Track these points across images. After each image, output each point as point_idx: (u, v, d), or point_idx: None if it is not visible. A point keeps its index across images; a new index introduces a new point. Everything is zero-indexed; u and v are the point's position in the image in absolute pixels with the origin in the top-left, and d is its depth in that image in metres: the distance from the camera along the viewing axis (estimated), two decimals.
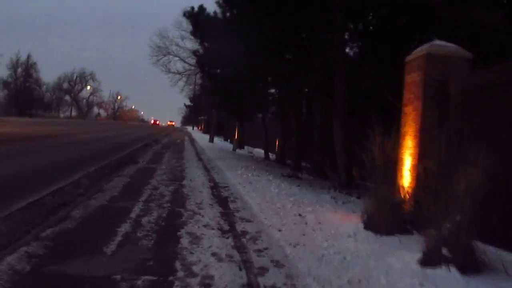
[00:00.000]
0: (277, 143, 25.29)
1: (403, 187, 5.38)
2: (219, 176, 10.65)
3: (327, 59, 11.52)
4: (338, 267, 3.85)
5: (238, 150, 25.27)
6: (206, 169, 12.03)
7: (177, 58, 30.61)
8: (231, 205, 6.84)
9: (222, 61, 17.67)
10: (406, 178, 5.60)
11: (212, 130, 30.77)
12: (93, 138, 23.21)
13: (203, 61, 19.19)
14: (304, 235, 4.95)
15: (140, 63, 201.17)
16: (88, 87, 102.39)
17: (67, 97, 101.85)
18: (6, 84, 72.95)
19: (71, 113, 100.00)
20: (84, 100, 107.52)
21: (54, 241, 4.19)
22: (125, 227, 4.91)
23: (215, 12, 17.20)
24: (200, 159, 15.51)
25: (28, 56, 75.25)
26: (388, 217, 4.75)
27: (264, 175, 11.26)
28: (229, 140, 37.90)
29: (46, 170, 9.83)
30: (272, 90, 20.87)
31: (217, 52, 17.54)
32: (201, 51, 18.93)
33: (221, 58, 17.57)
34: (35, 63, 76.60)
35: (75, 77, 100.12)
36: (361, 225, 5.07)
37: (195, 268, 3.70)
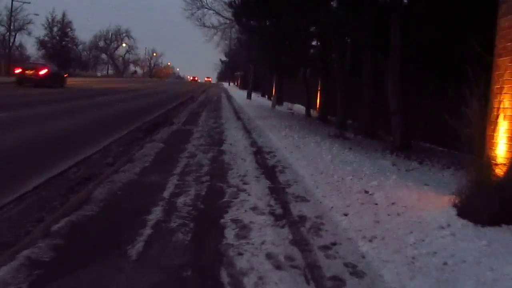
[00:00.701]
0: (318, 100, 24.13)
1: (494, 158, 4.22)
2: (261, 138, 9.65)
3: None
4: (441, 280, 2.80)
5: (277, 107, 24.18)
6: (247, 130, 11.05)
7: (212, 11, 29.11)
8: (280, 178, 5.84)
9: (260, 11, 16.34)
10: (501, 148, 4.42)
11: (249, 86, 29.61)
12: (128, 96, 22.58)
13: (239, 12, 17.86)
14: (378, 222, 3.91)
15: (176, 19, 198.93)
16: (124, 45, 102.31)
17: (104, 56, 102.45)
18: (42, 43, 73.20)
19: (107, 71, 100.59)
20: (120, 58, 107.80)
21: (67, 238, 3.29)
22: (156, 213, 3.98)
23: None
24: (239, 118, 14.54)
25: (63, 15, 75.06)
26: (491, 201, 3.64)
27: (310, 136, 10.19)
28: (267, 96, 36.76)
29: (79, 132, 9.11)
30: (314, 43, 19.49)
31: (255, 1, 16.23)
32: (237, 1, 17.57)
33: (259, 8, 16.26)
34: (70, 22, 76.45)
35: (110, 35, 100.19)
36: (452, 211, 3.96)
37: (247, 282, 2.73)
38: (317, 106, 23.25)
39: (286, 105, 27.45)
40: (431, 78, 10.41)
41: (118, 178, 5.26)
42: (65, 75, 29.42)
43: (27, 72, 24.84)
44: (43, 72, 25.13)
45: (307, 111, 20.36)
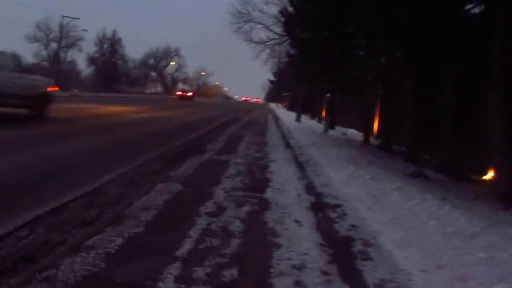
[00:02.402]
0: (376, 124, 21.32)
1: None
2: (320, 179, 7.01)
3: None
4: None
5: (329, 131, 21.54)
6: (299, 165, 8.45)
7: (260, 26, 27.04)
8: (368, 275, 3.20)
9: (317, 21, 13.89)
10: None
11: (298, 107, 27.07)
12: (166, 116, 20.57)
13: (291, 23, 15.47)
14: None
15: (225, 40, 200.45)
16: (173, 63, 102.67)
17: (153, 73, 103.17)
18: (92, 60, 73.94)
19: (156, 89, 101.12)
20: (169, 76, 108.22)
21: None
22: None
23: None
24: (288, 145, 11.99)
25: (114, 32, 75.93)
26: None
27: (383, 176, 7.53)
28: (316, 119, 34.10)
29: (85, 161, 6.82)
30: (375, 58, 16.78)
31: (312, 9, 13.80)
32: (289, 9, 15.21)
33: (316, 17, 13.82)
34: (120, 39, 77.16)
35: (160, 53, 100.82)
36: None
37: None
38: (375, 132, 20.49)
39: (338, 129, 24.74)
40: None
41: (68, 267, 2.82)
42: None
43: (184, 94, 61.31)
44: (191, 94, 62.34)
45: (366, 137, 17.64)
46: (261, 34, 41.21)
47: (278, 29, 26.61)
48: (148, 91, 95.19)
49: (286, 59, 45.02)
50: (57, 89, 16.09)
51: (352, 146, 14.37)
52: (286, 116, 32.10)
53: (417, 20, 8.61)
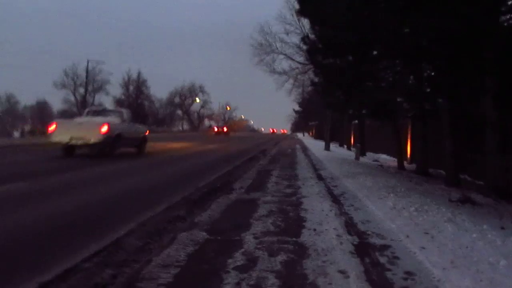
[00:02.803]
0: (408, 147, 20.46)
1: None
2: (360, 214, 6.32)
3: None
4: None
5: (361, 158, 20.76)
6: (334, 198, 7.78)
7: (282, 56, 26.72)
8: None
9: (340, 46, 13.40)
10: None
11: (327, 135, 26.38)
12: (189, 152, 20.22)
13: (314, 50, 15.03)
14: None
15: (248, 73, 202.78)
16: (198, 100, 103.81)
17: (179, 111, 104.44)
18: (119, 102, 75.28)
19: (182, 127, 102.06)
20: (195, 113, 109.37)
21: None
22: None
23: None
24: (320, 177, 11.31)
25: (139, 74, 77.56)
26: None
27: (429, 206, 6.82)
28: (345, 146, 33.29)
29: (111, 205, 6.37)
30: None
31: (333, 34, 13.37)
32: (311, 36, 14.79)
33: (339, 42, 13.36)
34: (145, 80, 78.60)
35: (185, 91, 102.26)
36: None
37: None
38: (408, 156, 19.63)
39: (369, 155, 23.93)
40: None
41: None
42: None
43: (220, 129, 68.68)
44: (226, 129, 69.95)
45: (400, 162, 16.84)
46: (284, 64, 41.10)
47: (300, 58, 26.33)
48: (174, 129, 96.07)
49: (310, 88, 44.79)
50: (149, 132, 20.80)
51: (387, 173, 13.60)
52: (314, 146, 31.42)
53: (450, 33, 8.01)
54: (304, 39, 15.11)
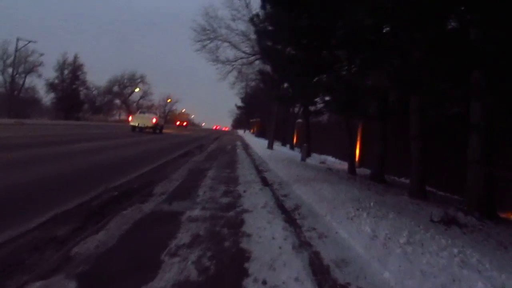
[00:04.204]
0: (357, 150, 18.96)
1: None
2: (328, 245, 4.26)
3: None
4: None
5: (307, 159, 18.98)
6: (287, 215, 5.68)
7: (227, 44, 24.35)
8: None
9: (294, 31, 11.41)
10: None
11: (271, 133, 24.43)
12: (119, 143, 17.58)
13: (264, 32, 12.96)
14: None
15: (192, 67, 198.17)
16: (137, 90, 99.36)
17: (118, 101, 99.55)
18: (52, 86, 69.76)
19: (119, 116, 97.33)
20: (134, 104, 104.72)
21: None
22: None
23: None
24: (264, 180, 9.24)
25: (75, 57, 71.92)
26: None
27: (416, 232, 4.90)
28: (288, 145, 31.57)
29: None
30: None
31: (288, 15, 11.38)
32: (261, 15, 12.67)
33: (292, 26, 11.39)
34: (82, 65, 73.24)
35: (125, 80, 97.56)
36: None
37: None
38: (357, 159, 18.09)
39: (314, 156, 22.24)
40: None
41: None
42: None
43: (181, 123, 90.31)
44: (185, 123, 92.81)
45: (351, 166, 15.15)
46: (228, 53, 38.82)
47: (246, 48, 24.17)
48: (111, 118, 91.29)
49: (254, 83, 42.84)
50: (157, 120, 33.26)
51: (340, 178, 11.77)
52: (256, 143, 29.43)
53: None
54: (253, 19, 13.01)
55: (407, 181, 13.49)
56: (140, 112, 35.14)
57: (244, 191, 7.42)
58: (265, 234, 4.55)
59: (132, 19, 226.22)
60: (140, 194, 6.58)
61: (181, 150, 17.08)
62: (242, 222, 5.06)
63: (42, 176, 7.38)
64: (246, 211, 5.76)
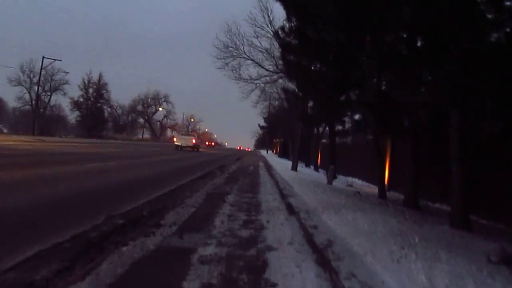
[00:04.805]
0: (386, 172, 17.78)
1: None
2: None
3: None
4: None
5: (333, 182, 17.90)
6: (320, 256, 4.70)
7: (250, 62, 23.65)
8: None
9: (320, 45, 10.58)
10: None
11: (295, 154, 23.42)
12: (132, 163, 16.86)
13: (289, 46, 12.15)
14: None
15: (215, 86, 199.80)
16: (161, 109, 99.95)
17: (141, 120, 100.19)
18: (77, 104, 70.46)
19: (142, 135, 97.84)
20: (158, 123, 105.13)
21: None
22: None
23: None
24: (289, 207, 8.28)
25: (100, 76, 72.88)
26: None
27: (473, 274, 3.92)
28: (312, 166, 30.50)
29: None
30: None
31: (316, 29, 10.66)
32: (287, 28, 11.82)
33: (318, 40, 10.60)
34: (106, 84, 74.09)
35: (148, 99, 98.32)
36: None
37: None
38: (386, 182, 16.92)
39: (340, 178, 21.13)
40: None
41: None
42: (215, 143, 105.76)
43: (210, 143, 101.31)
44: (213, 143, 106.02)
45: (381, 190, 14.07)
46: (251, 71, 38.17)
47: (270, 66, 23.42)
48: (134, 137, 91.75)
49: (277, 103, 42.10)
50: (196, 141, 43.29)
51: (371, 204, 10.74)
52: (279, 164, 28.45)
53: None
54: (278, 32, 12.22)
55: (443, 207, 12.36)
56: (182, 134, 47.11)
57: (268, 221, 6.49)
58: (294, 284, 3.61)
59: (157, 39, 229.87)
60: (148, 224, 5.71)
61: (217, 163, 22.86)
62: (265, 265, 4.13)
63: (38, 200, 6.61)
64: (270, 248, 4.82)
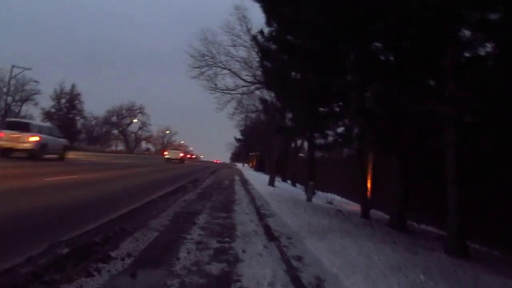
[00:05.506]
0: (368, 188, 16.89)
1: None
2: None
3: None
4: None
5: (312, 198, 16.95)
6: None
7: (226, 71, 22.70)
8: None
9: (301, 52, 9.69)
10: None
11: (272, 168, 22.47)
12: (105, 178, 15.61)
13: (268, 52, 11.24)
14: None
15: (190, 98, 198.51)
16: (135, 120, 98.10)
17: (116, 131, 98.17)
18: (48, 114, 68.22)
19: (116, 147, 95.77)
20: (133, 135, 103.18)
21: None
22: None
23: None
24: (268, 231, 7.25)
25: (73, 87, 70.84)
26: None
27: None
28: (289, 181, 29.57)
29: None
30: None
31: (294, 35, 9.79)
32: (266, 33, 10.87)
33: (299, 47, 9.75)
34: (79, 94, 71.98)
35: (123, 111, 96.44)
36: None
37: None
38: (367, 199, 16.04)
39: (319, 194, 20.22)
40: None
41: None
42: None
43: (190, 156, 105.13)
44: (194, 156, 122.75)
45: (365, 209, 13.21)
46: (228, 81, 37.16)
47: (247, 77, 22.52)
48: (108, 149, 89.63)
49: (254, 115, 41.23)
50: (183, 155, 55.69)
51: (357, 225, 9.85)
52: (255, 178, 27.40)
53: None
54: (256, 36, 11.29)
55: (429, 227, 11.56)
56: (171, 149, 59.23)
57: (243, 251, 5.44)
58: None
59: (131, 53, 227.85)
60: (96, 256, 4.61)
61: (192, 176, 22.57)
62: None
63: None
64: None
